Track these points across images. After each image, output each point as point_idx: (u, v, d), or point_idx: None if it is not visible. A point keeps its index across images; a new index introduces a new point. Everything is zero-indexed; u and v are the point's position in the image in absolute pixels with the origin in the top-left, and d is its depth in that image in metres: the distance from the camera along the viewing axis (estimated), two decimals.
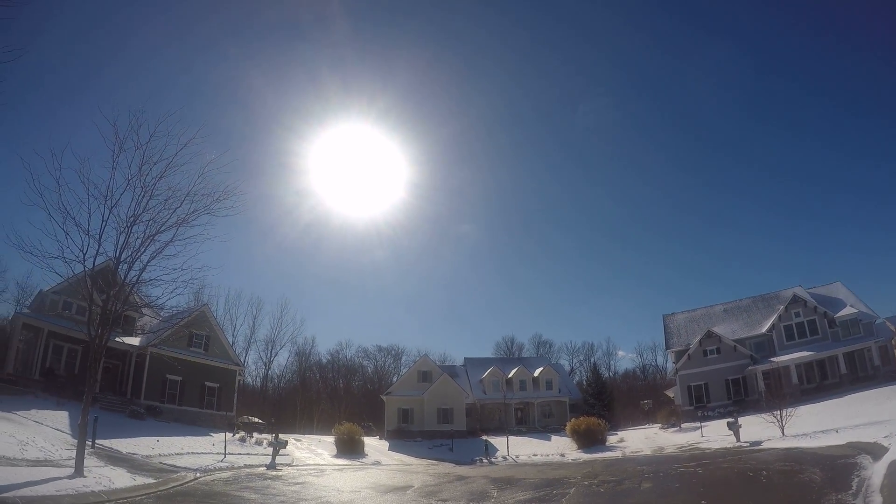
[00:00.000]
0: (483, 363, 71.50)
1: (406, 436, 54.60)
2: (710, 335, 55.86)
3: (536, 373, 66.78)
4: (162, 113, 17.41)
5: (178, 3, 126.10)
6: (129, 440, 29.79)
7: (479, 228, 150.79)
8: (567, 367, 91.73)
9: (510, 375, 66.00)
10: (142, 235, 17.10)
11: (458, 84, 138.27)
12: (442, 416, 57.30)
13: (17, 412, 29.74)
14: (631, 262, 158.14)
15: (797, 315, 53.00)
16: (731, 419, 33.12)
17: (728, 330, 57.34)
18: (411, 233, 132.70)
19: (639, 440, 42.13)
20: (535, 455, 39.29)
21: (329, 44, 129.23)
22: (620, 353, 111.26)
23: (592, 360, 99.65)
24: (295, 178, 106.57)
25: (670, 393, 61.58)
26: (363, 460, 37.08)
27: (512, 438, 46.07)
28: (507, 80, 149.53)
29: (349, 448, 40.46)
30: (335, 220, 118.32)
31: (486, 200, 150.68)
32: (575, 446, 41.61)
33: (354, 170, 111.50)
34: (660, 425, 51.18)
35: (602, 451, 37.21)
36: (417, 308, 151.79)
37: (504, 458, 39.85)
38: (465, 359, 74.49)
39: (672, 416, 50.67)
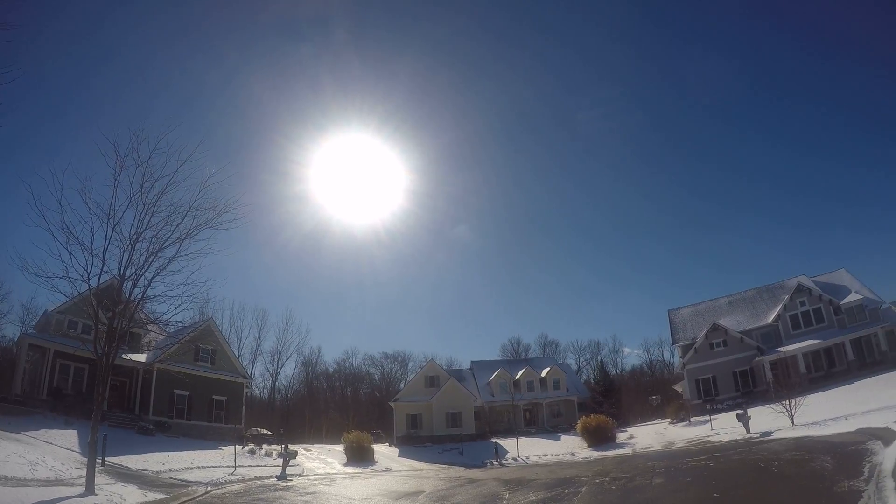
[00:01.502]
0: (490, 366, 71.34)
1: (416, 441, 54.55)
2: (715, 328, 55.77)
3: (543, 373, 66.67)
4: (162, 129, 17.41)
5: (174, 6, 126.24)
6: (139, 456, 29.81)
7: (480, 232, 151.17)
8: (574, 367, 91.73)
9: (517, 377, 65.81)
10: (145, 252, 17.15)
11: (457, 92, 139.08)
12: (451, 421, 57.21)
13: (26, 433, 29.70)
14: (634, 258, 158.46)
15: (802, 304, 52.91)
16: (740, 411, 33.07)
17: (734, 322, 57.23)
18: (412, 238, 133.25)
19: (649, 436, 42.04)
20: (545, 455, 39.20)
21: (329, 49, 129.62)
22: (626, 350, 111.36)
23: (599, 357, 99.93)
24: (295, 185, 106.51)
25: (678, 387, 61.50)
26: (373, 467, 37.02)
27: (521, 440, 45.96)
28: (503, 91, 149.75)
29: (359, 456, 40.42)
30: (336, 228, 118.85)
31: (485, 204, 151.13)
32: (585, 445, 41.55)
33: (354, 176, 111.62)
34: (669, 420, 51.04)
35: (612, 449, 37.13)
36: (422, 314, 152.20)
37: (514, 459, 39.77)
38: (472, 362, 74.32)
39: (681, 411, 50.56)
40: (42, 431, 31.08)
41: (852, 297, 50.05)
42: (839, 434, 20.40)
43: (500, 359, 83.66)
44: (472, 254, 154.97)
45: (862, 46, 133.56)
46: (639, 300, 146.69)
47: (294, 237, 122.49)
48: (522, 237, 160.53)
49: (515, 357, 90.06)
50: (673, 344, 64.05)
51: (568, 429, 53.36)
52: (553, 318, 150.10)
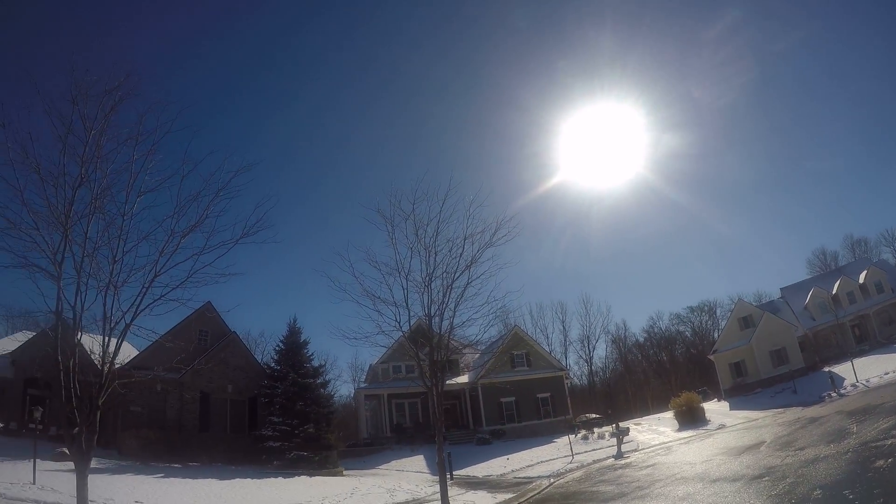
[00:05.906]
0: (801, 287, 64.74)
1: (744, 390, 51.45)
2: None
3: (861, 278, 58.55)
4: (414, 179, 18.69)
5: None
6: (482, 465, 32.51)
7: (745, 153, 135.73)
8: (893, 262, 78.80)
9: (834, 291, 58.80)
10: (441, 288, 18.55)
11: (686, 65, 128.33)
12: (775, 359, 52.82)
13: (379, 467, 34.72)
14: None
15: None
16: None
17: None
18: (679, 184, 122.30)
19: None
20: (886, 374, 34.49)
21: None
22: None
23: None
24: (547, 172, 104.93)
25: None
26: (707, 427, 35.82)
27: (856, 361, 40.89)
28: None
29: (690, 418, 39.43)
30: (599, 200, 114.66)
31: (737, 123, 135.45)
32: None
33: (602, 144, 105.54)
34: None
35: None
36: (711, 255, 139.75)
37: (853, 385, 35.73)
38: (781, 289, 68.21)
39: None
40: (393, 462, 36.01)
41: None
42: None
43: (809, 277, 74.68)
44: (740, 177, 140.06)
45: None
46: None
47: (564, 223, 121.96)
48: (795, 123, 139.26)
49: (825, 270, 79.91)
50: None
51: None
52: (853, 211, 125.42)
